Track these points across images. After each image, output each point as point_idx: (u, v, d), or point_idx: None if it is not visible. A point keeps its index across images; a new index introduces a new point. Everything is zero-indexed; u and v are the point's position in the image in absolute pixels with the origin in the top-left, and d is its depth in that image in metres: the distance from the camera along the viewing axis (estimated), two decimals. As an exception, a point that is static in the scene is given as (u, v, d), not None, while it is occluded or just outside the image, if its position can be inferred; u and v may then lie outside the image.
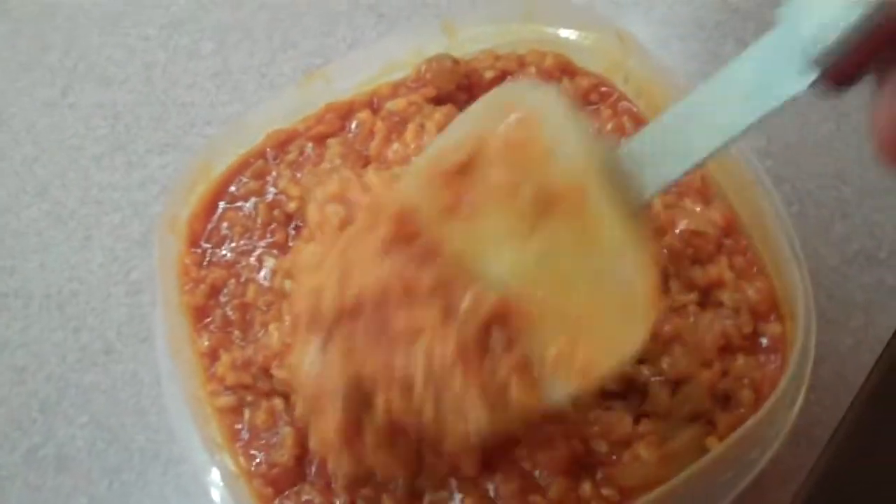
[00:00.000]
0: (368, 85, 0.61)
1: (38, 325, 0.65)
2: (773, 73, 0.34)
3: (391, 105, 0.59)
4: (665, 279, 0.51)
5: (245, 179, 0.59)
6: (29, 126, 0.74)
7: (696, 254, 0.52)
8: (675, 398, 0.47)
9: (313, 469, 0.49)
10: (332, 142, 0.59)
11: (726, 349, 0.49)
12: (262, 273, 0.55)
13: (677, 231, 0.53)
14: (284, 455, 0.49)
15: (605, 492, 0.46)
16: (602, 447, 0.47)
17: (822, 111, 0.66)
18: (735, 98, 0.35)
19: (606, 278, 0.38)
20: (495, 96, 0.42)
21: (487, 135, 0.40)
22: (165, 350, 0.53)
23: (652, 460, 0.45)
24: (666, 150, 0.37)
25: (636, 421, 0.47)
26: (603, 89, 0.59)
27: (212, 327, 0.55)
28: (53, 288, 0.66)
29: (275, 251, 0.56)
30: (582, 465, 0.47)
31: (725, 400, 0.48)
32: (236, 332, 0.54)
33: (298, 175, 0.58)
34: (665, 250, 0.52)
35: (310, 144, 0.59)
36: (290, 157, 0.59)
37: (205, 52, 0.75)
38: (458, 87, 0.59)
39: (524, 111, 0.40)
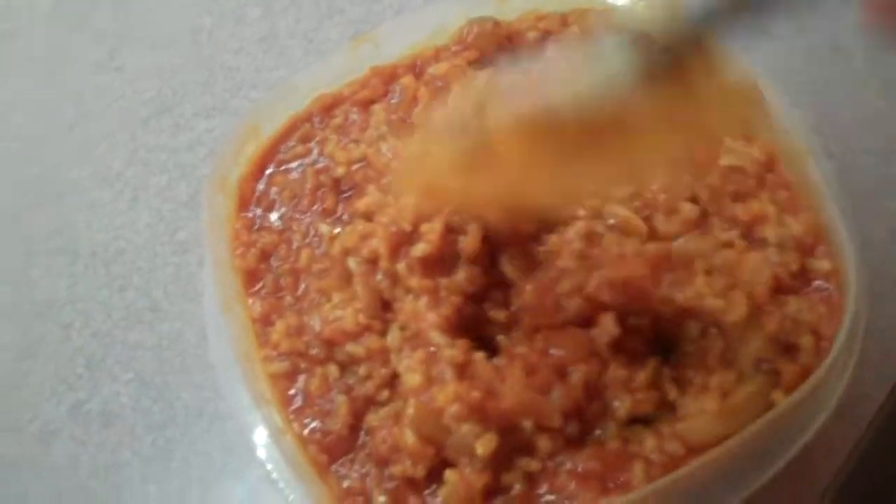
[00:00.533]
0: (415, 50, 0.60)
1: (84, 283, 0.66)
2: None
3: (433, 70, 0.58)
4: (705, 216, 0.51)
5: (292, 143, 0.59)
6: (77, 88, 0.74)
7: (736, 190, 0.52)
8: (731, 348, 0.47)
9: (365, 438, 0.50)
10: (376, 108, 0.58)
11: (776, 291, 0.48)
12: (316, 239, 0.55)
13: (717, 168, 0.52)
14: (338, 423, 0.49)
15: (669, 447, 0.45)
16: (672, 393, 0.46)
17: (872, 88, 0.66)
18: None
19: None
20: None
21: None
22: (215, 307, 0.53)
23: (716, 412, 0.45)
24: None
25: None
26: None
27: (263, 293, 0.54)
28: (100, 247, 0.67)
29: (328, 220, 0.55)
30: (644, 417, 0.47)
31: (787, 348, 0.47)
32: (288, 298, 0.54)
33: (344, 140, 0.58)
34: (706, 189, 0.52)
35: (355, 110, 0.59)
36: (337, 121, 0.59)
37: (251, 18, 0.76)
38: (500, 48, 0.58)
39: None
